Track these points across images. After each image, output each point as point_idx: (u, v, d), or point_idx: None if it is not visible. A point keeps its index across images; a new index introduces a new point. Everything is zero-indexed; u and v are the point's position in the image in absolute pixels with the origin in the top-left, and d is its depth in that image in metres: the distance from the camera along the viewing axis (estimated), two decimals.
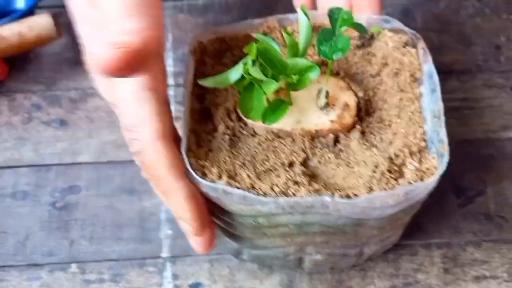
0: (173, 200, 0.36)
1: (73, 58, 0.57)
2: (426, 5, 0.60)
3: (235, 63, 0.37)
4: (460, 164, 0.50)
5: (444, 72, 0.55)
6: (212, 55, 0.42)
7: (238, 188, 0.34)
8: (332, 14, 0.36)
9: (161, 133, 0.34)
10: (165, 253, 0.46)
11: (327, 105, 0.38)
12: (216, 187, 0.34)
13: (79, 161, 0.51)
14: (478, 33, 0.58)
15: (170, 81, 0.55)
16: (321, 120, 0.37)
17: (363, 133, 0.38)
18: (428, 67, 0.39)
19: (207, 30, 0.42)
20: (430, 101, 0.38)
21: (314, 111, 0.38)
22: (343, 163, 0.37)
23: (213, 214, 0.38)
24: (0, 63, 0.54)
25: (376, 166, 0.36)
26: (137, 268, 0.46)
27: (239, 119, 0.39)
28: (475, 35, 0.58)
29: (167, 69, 0.57)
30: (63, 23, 0.57)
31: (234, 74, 0.36)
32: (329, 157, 0.37)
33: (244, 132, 0.38)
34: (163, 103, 0.35)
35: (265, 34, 0.40)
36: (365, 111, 0.39)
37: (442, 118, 0.37)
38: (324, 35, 0.36)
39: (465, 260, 0.46)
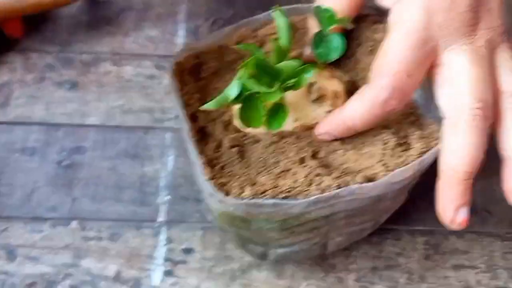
0: None
1: (88, 21, 0.58)
2: None
3: (213, 74, 0.38)
4: None
5: None
6: (191, 72, 0.42)
7: (267, 198, 0.34)
8: (318, 14, 0.37)
9: None
10: (161, 218, 0.49)
11: (319, 97, 0.39)
12: (248, 202, 0.34)
13: (87, 123, 0.53)
14: None
15: None
16: (317, 113, 0.39)
17: None
18: None
19: (182, 50, 0.41)
20: None
21: (308, 106, 0.39)
22: (350, 147, 0.38)
23: (235, 227, 0.39)
24: (17, 22, 0.55)
25: (385, 143, 0.37)
26: (134, 229, 0.48)
27: (238, 130, 0.39)
28: None
29: (179, 40, 0.59)
30: None
31: (233, 91, 0.36)
32: (334, 145, 0.38)
33: (247, 140, 0.39)
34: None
35: (238, 43, 0.40)
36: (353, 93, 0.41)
37: (432, 86, 0.38)
38: (317, 38, 0.37)
39: (446, 248, 0.47)
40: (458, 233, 0.48)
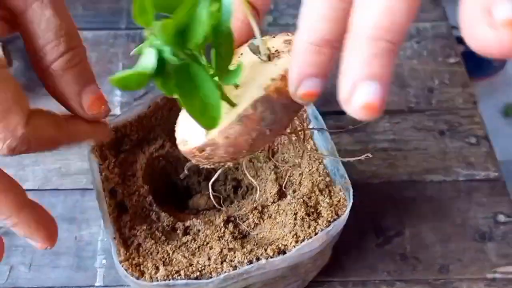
0: None
1: (25, 84, 0.59)
2: None
3: (135, 146, 0.39)
4: (383, 205, 0.53)
5: None
6: (111, 147, 0.42)
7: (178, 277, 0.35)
8: None
9: None
10: (98, 282, 0.49)
11: (271, 54, 0.30)
12: (160, 284, 0.35)
13: (24, 188, 0.53)
14: (414, 75, 0.62)
15: (117, 111, 0.58)
16: (278, 68, 0.29)
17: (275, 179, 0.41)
18: (311, 110, 0.42)
19: None
20: (321, 140, 0.41)
21: (263, 69, 0.29)
22: (266, 216, 0.40)
23: None
24: None
25: (295, 213, 0.38)
26: None
27: (158, 202, 0.40)
28: (411, 77, 0.61)
29: (116, 99, 0.59)
30: (14, 49, 0.59)
31: (149, 59, 0.24)
32: (253, 214, 0.40)
33: (166, 214, 0.40)
34: None
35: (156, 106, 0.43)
36: (272, 154, 0.42)
37: (337, 155, 0.40)
38: None
39: None
40: (389, 283, 0.50)
